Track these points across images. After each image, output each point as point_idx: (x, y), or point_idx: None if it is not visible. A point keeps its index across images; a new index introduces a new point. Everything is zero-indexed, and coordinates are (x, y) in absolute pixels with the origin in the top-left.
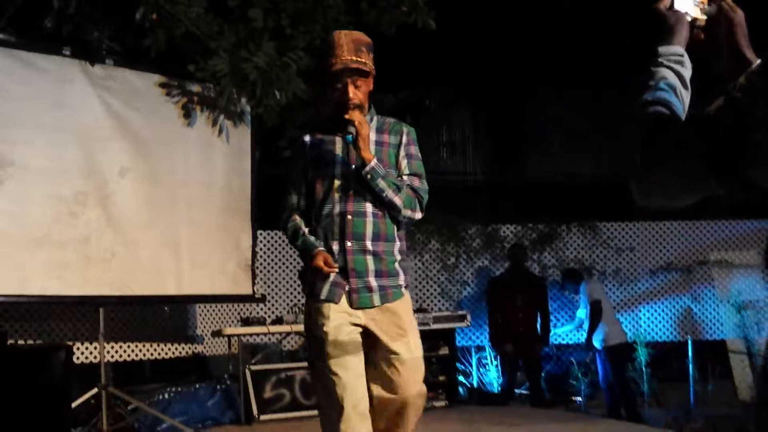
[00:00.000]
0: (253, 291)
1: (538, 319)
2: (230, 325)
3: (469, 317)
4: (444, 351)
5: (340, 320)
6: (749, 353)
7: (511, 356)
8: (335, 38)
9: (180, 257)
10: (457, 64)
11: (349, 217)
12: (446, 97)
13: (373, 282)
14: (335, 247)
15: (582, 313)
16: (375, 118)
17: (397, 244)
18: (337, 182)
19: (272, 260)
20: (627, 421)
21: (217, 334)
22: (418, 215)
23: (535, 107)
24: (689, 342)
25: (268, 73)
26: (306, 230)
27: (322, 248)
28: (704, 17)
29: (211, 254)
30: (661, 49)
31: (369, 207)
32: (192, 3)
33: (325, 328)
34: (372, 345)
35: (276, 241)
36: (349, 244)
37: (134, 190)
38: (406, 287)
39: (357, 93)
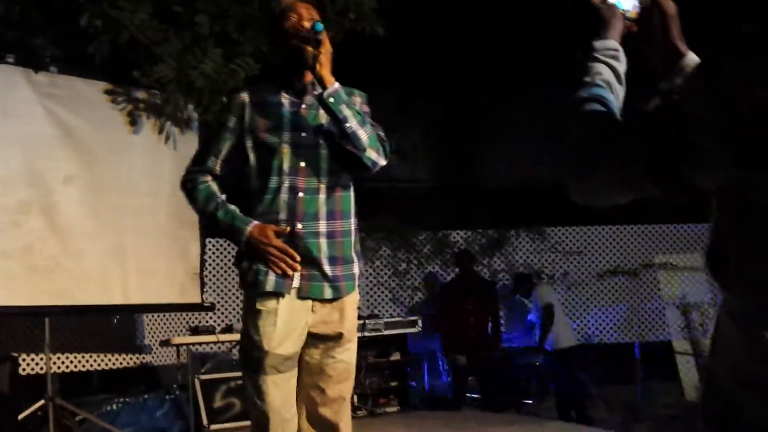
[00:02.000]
0: (202, 299)
1: (489, 323)
2: (179, 335)
3: (420, 323)
4: (396, 357)
5: (287, 324)
6: (695, 354)
7: (464, 364)
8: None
9: (127, 266)
10: (406, 69)
11: (301, 194)
12: (395, 103)
13: (327, 269)
14: (287, 229)
15: (533, 317)
16: None
17: (354, 222)
18: (285, 152)
19: (221, 268)
20: (576, 423)
21: (165, 343)
22: (383, 161)
23: (484, 112)
24: (636, 344)
25: (215, 79)
26: (224, 198)
27: (254, 222)
28: (637, 10)
29: (158, 263)
30: (596, 44)
31: (324, 181)
32: (137, 9)
33: (267, 337)
34: (312, 344)
35: (225, 249)
36: (299, 225)
37: (79, 198)
38: (357, 275)
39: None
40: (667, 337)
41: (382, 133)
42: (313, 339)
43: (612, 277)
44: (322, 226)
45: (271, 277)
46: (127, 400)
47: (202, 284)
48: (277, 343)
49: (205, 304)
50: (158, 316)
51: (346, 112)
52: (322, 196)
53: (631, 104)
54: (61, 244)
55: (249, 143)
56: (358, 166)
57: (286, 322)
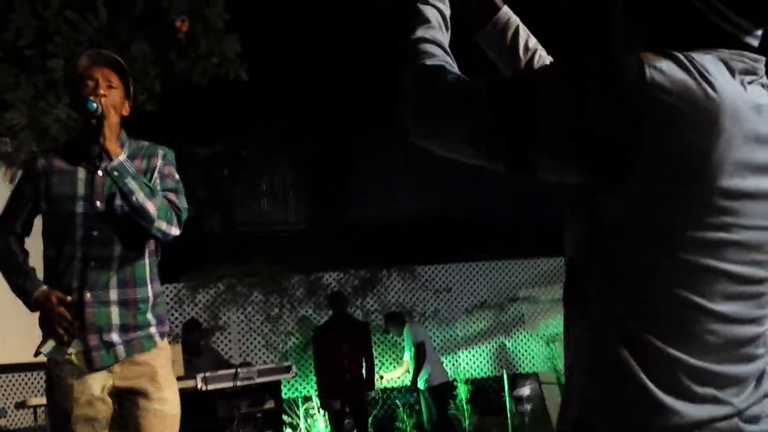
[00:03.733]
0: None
1: (363, 365)
2: (36, 395)
3: (294, 368)
4: (270, 405)
5: (82, 391)
6: (559, 383)
7: (339, 408)
8: (82, 57)
9: None
10: (274, 113)
11: (93, 263)
12: (265, 146)
13: (115, 337)
14: (69, 298)
15: (407, 355)
16: (127, 143)
17: (150, 288)
18: (78, 222)
19: None
20: None
21: (21, 405)
22: (175, 231)
23: (354, 153)
24: (504, 376)
25: (70, 125)
26: (23, 258)
27: (41, 288)
28: None
29: (13, 319)
30: None
31: (117, 250)
32: None
33: (65, 402)
34: (125, 398)
35: None
36: (88, 295)
37: None
38: (162, 335)
39: (110, 92)
40: (533, 368)
41: (180, 200)
42: (126, 393)
43: (480, 312)
44: (113, 295)
45: (51, 342)
46: None
47: None
48: (74, 403)
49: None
50: (13, 376)
51: (132, 185)
52: (115, 264)
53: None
54: None
55: (44, 209)
56: (149, 236)
57: (81, 390)
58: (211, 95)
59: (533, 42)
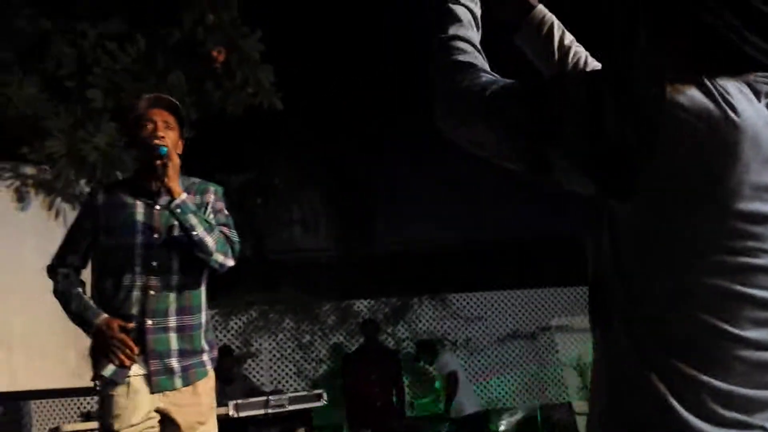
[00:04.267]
0: (95, 383)
1: (394, 393)
2: (70, 421)
3: (325, 395)
4: None
5: (138, 412)
6: None
7: None
8: (141, 99)
9: (13, 350)
10: (306, 142)
11: (152, 292)
12: (296, 174)
13: (175, 363)
14: (131, 325)
15: (438, 384)
16: (181, 179)
17: (204, 314)
18: (138, 253)
19: None
20: None
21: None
22: (231, 262)
23: (384, 179)
24: (538, 407)
25: (108, 153)
26: (80, 291)
27: (103, 316)
28: None
29: (48, 345)
30: None
31: (175, 279)
32: (24, 85)
33: (118, 420)
34: (166, 426)
35: None
36: (149, 322)
37: None
38: (212, 361)
39: (168, 133)
40: (566, 398)
41: (232, 233)
42: (170, 424)
43: (512, 341)
44: (172, 322)
45: (111, 366)
46: None
47: None
48: (126, 423)
49: (98, 388)
50: (47, 402)
51: (193, 221)
52: (173, 294)
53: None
54: None
55: (103, 242)
56: (207, 268)
57: (136, 411)
58: (245, 124)
59: (569, 39)
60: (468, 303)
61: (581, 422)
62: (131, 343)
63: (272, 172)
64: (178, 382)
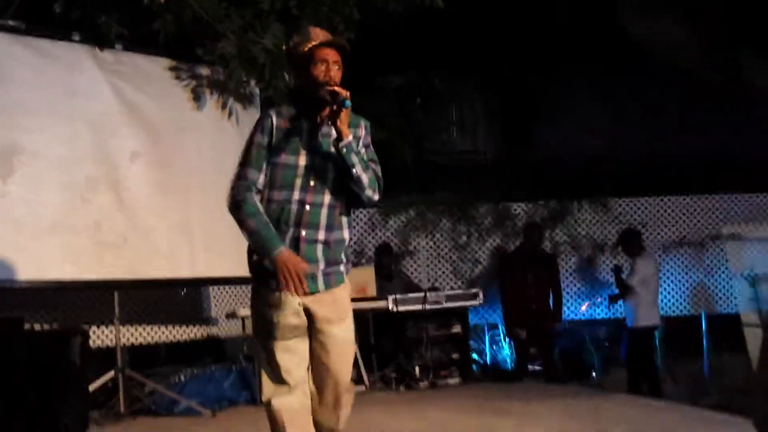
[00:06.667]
0: None
1: (551, 296)
2: (244, 307)
3: (481, 295)
4: (456, 329)
5: (290, 308)
6: (763, 326)
7: (524, 337)
8: (310, 29)
9: (193, 241)
10: (465, 42)
11: (308, 207)
12: (456, 76)
13: (321, 268)
14: (289, 234)
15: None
16: None
17: (346, 232)
18: (300, 170)
19: None
20: (646, 397)
21: (231, 315)
22: (377, 197)
23: (545, 86)
24: (703, 316)
25: (276, 55)
26: (264, 217)
27: (285, 247)
28: None
29: (224, 238)
30: None
31: (327, 198)
32: None
33: (276, 318)
34: (311, 325)
35: None
36: (303, 233)
37: (146, 175)
38: (348, 271)
39: (338, 74)
40: (734, 309)
41: (378, 170)
42: (313, 318)
43: (678, 248)
44: (321, 235)
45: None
46: (195, 371)
47: None
48: (282, 315)
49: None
50: (224, 288)
51: (354, 160)
52: (324, 210)
53: None
54: (128, 221)
55: (272, 159)
56: (356, 200)
57: (287, 303)
58: (406, 24)
59: None
60: (631, 208)
61: (749, 334)
62: (305, 284)
63: (432, 73)
64: (321, 285)
